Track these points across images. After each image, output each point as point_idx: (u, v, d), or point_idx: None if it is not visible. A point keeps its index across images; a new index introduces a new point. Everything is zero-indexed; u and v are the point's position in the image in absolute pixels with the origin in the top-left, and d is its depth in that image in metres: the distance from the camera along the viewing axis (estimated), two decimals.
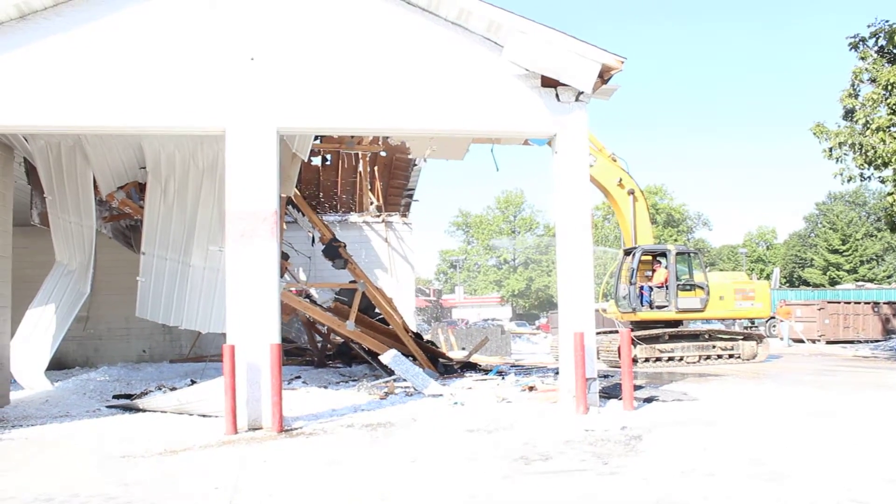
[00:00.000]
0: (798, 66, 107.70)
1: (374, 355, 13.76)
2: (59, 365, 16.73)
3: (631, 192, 19.34)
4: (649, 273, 19.04)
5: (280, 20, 9.50)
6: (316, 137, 13.76)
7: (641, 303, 18.35)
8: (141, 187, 13.14)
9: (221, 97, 9.25)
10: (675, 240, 63.78)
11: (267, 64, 9.38)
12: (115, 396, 12.06)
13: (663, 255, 19.02)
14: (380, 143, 14.97)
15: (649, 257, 19.19)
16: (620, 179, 19.25)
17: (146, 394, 11.64)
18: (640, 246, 18.92)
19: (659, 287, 18.54)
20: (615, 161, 19.32)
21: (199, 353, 19.21)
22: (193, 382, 12.57)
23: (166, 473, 6.57)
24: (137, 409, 10.38)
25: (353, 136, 13.85)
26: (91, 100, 9.02)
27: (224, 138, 9.30)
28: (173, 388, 11.88)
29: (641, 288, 18.45)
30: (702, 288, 18.66)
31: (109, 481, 6.22)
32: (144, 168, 12.74)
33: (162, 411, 10.04)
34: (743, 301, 18.98)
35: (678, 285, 18.51)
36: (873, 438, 7.76)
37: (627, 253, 19.06)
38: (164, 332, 19.24)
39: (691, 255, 19.85)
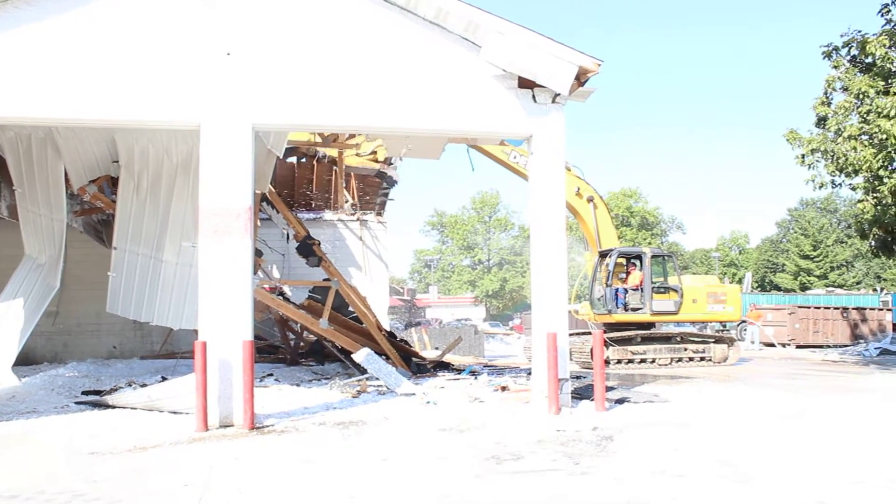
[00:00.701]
0: (780, 70, 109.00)
1: (348, 354, 13.71)
2: (26, 360, 16.45)
3: (590, 200, 19.45)
4: (623, 275, 19.16)
5: (258, 15, 9.42)
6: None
7: (616, 305, 18.47)
8: (113, 181, 12.97)
9: (197, 92, 9.16)
10: (650, 243, 64.22)
11: (243, 59, 9.30)
12: (84, 392, 11.90)
13: (638, 257, 19.16)
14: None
15: (624, 260, 19.31)
16: (578, 189, 19.35)
17: (116, 390, 11.50)
18: (616, 248, 19.05)
19: (634, 289, 18.66)
20: (570, 170, 19.37)
21: (171, 350, 18.98)
22: (164, 379, 12.43)
23: (135, 470, 6.50)
24: (107, 406, 10.26)
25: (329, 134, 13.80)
26: (63, 91, 8.88)
27: (199, 133, 9.21)
28: (144, 385, 11.74)
29: (616, 290, 18.58)
30: (676, 291, 18.82)
31: (77, 478, 6.15)
32: (117, 162, 12.59)
33: (132, 408, 9.92)
34: (715, 304, 19.17)
35: (653, 288, 18.66)
36: (841, 441, 7.88)
37: (603, 255, 19.16)
38: (135, 328, 18.99)
39: (666, 258, 20.12)
